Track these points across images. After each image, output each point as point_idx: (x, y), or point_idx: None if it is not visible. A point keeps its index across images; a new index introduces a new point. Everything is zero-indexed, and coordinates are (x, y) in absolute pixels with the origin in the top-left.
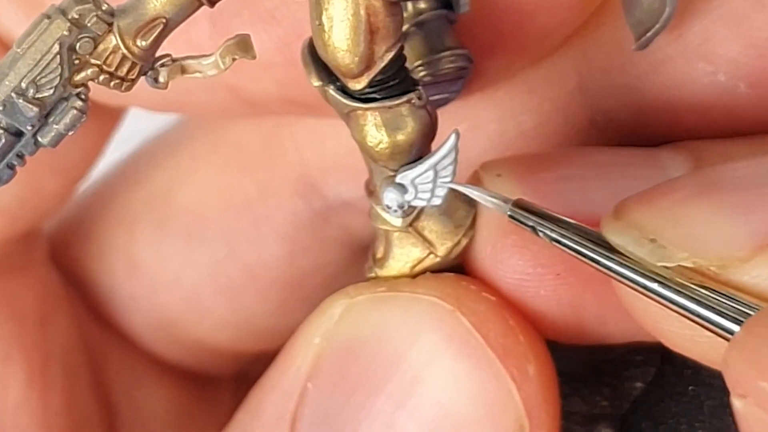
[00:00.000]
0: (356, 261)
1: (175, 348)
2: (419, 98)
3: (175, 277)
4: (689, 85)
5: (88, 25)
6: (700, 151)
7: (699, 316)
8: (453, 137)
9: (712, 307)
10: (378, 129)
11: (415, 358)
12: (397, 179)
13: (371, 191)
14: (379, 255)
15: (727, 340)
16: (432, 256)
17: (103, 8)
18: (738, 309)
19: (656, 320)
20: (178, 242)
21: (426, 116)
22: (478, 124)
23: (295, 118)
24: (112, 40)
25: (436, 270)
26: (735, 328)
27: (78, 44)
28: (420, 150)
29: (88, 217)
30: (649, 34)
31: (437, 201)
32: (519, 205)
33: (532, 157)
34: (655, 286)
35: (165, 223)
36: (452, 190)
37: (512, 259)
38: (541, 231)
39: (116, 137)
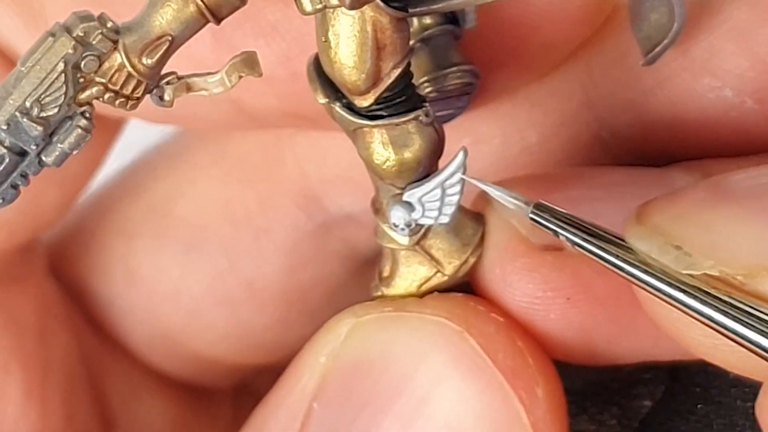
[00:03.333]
0: (357, 274)
1: (174, 360)
2: (426, 115)
3: (174, 289)
4: (695, 101)
5: (93, 43)
6: (711, 169)
7: (723, 326)
8: (461, 155)
9: (737, 318)
10: (385, 146)
11: (423, 379)
12: (404, 197)
13: (378, 209)
14: (385, 273)
15: (751, 351)
16: (439, 274)
17: (108, 26)
18: (763, 320)
19: (678, 327)
20: (177, 254)
21: (433, 133)
22: (483, 139)
23: (296, 130)
24: (118, 58)
25: (444, 289)
26: (760, 339)
27: (83, 62)
28: (427, 167)
29: (87, 228)
30: (657, 50)
31: (445, 219)
32: (541, 206)
33: (542, 177)
34: (679, 295)
35: (164, 234)
36: (460, 209)
37: (522, 283)
38: (562, 234)
39: (115, 148)
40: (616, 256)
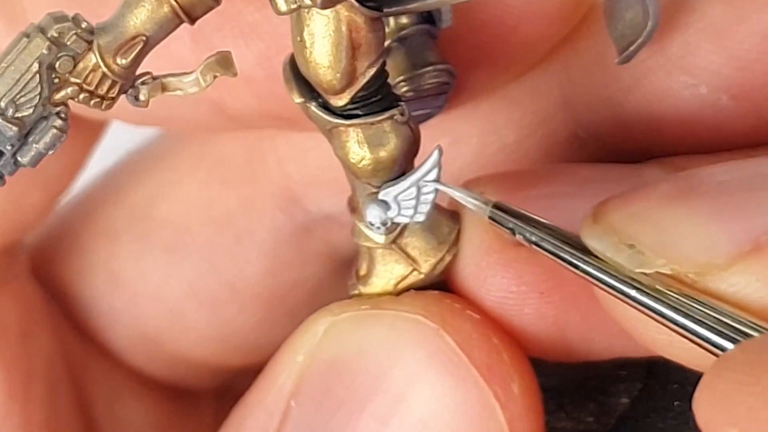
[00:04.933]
0: (339, 275)
1: (157, 362)
2: (402, 114)
3: (156, 291)
4: (671, 98)
5: (68, 43)
6: (684, 166)
7: (675, 323)
8: (436, 153)
9: (688, 315)
10: (360, 145)
11: (399, 376)
12: (380, 196)
13: (354, 208)
14: (362, 272)
15: (702, 347)
16: (416, 273)
17: (83, 26)
18: (713, 317)
19: (635, 324)
20: (159, 256)
21: (408, 132)
22: (460, 138)
23: (277, 131)
24: (92, 59)
25: (420, 287)
26: (710, 335)
27: (58, 63)
28: (403, 166)
29: (69, 230)
30: (632, 48)
31: (420, 217)
32: (499, 207)
33: (516, 174)
34: (633, 292)
35: (147, 236)
36: (436, 207)
37: (496, 278)
38: (520, 233)
39: (98, 150)
40: (572, 255)
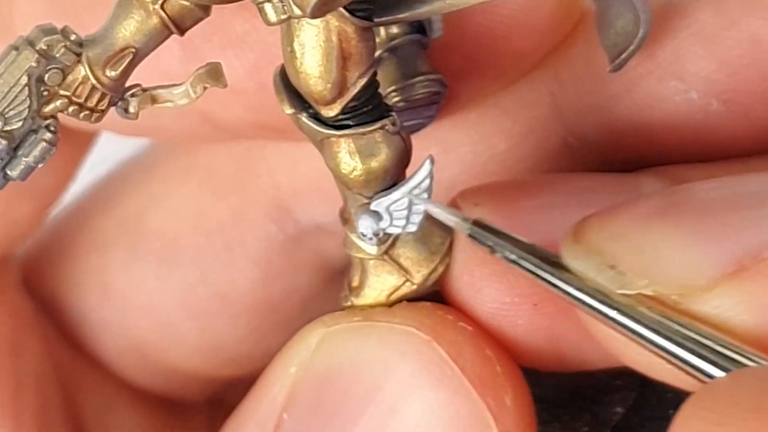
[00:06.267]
0: (330, 285)
1: (148, 373)
2: (393, 124)
3: (147, 302)
4: (662, 104)
5: (57, 56)
6: (681, 175)
7: (655, 344)
8: (427, 163)
9: (669, 337)
10: (352, 156)
11: (392, 389)
12: (372, 206)
13: (346, 219)
14: (354, 284)
15: (682, 369)
16: (408, 283)
17: (72, 38)
18: (695, 339)
19: (617, 346)
20: (150, 267)
21: (400, 142)
22: (451, 148)
23: (267, 142)
24: (81, 71)
25: (413, 298)
26: (691, 358)
27: (47, 75)
28: (394, 176)
29: (60, 242)
30: (623, 56)
31: (412, 228)
32: (479, 224)
33: (510, 185)
34: (613, 313)
35: (137, 247)
36: (428, 217)
37: (489, 288)
38: (499, 252)
39: (88, 161)
40: (552, 274)
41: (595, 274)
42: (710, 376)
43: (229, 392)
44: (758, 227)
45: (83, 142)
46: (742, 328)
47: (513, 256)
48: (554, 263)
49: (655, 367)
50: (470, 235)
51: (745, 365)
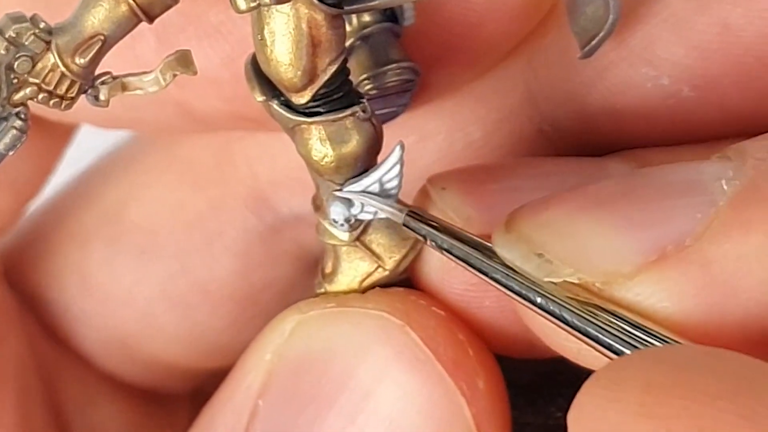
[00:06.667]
0: (309, 275)
1: (129, 365)
2: (364, 111)
3: (127, 294)
4: (634, 90)
5: (26, 43)
6: (648, 159)
7: (579, 330)
8: (398, 150)
9: (593, 323)
10: (323, 143)
11: (365, 374)
12: (343, 193)
13: (318, 206)
14: (327, 270)
15: (605, 355)
16: (380, 269)
17: (41, 26)
18: (617, 326)
19: (546, 332)
20: (130, 259)
21: (371, 129)
22: (426, 136)
23: (246, 133)
24: (51, 59)
25: (385, 284)
26: (613, 343)
27: (16, 63)
28: (365, 163)
29: (40, 234)
30: (594, 42)
31: (383, 214)
32: (413, 214)
33: (479, 169)
34: (539, 299)
35: (117, 239)
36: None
37: (457, 270)
38: (432, 240)
39: (68, 154)
40: (482, 263)
41: (522, 262)
42: None
43: (211, 384)
44: (683, 216)
45: (62, 134)
46: (663, 314)
47: (444, 245)
48: (485, 253)
49: (583, 354)
50: (404, 224)
51: None
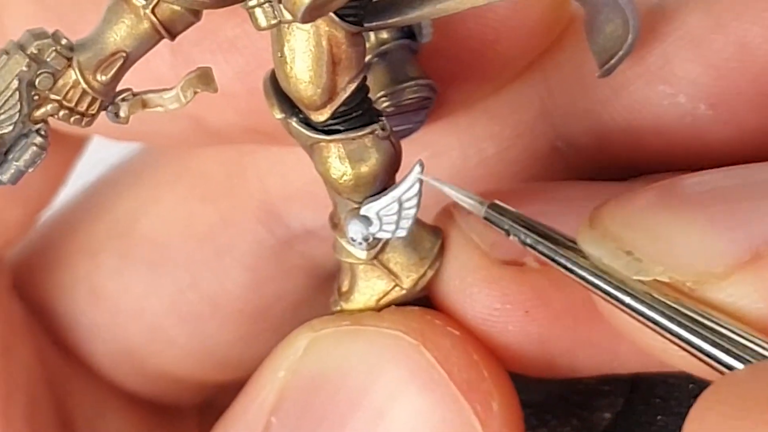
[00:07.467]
0: (320, 290)
1: (139, 378)
2: (383, 129)
3: (137, 307)
4: (650, 108)
5: (48, 60)
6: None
7: (669, 331)
8: (417, 168)
9: (684, 324)
10: (341, 161)
11: (379, 393)
12: (362, 211)
13: (335, 224)
14: (344, 288)
15: (694, 356)
16: (397, 288)
17: (63, 43)
18: (708, 327)
19: (631, 330)
20: (140, 271)
21: (390, 147)
22: (441, 152)
23: (257, 146)
24: (72, 75)
25: (402, 302)
26: (703, 345)
27: (37, 80)
28: (384, 181)
29: (50, 246)
30: (613, 61)
31: (402, 233)
32: (495, 207)
33: (502, 194)
34: (627, 299)
35: (128, 252)
36: (417, 222)
37: (481, 295)
38: (515, 235)
39: (79, 166)
40: (567, 259)
41: (610, 259)
42: (724, 364)
43: (220, 397)
44: None
45: (74, 146)
46: (755, 315)
47: (529, 240)
48: (570, 248)
49: (669, 354)
50: (486, 218)
51: (760, 354)
